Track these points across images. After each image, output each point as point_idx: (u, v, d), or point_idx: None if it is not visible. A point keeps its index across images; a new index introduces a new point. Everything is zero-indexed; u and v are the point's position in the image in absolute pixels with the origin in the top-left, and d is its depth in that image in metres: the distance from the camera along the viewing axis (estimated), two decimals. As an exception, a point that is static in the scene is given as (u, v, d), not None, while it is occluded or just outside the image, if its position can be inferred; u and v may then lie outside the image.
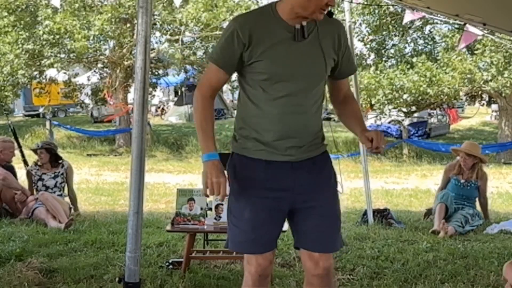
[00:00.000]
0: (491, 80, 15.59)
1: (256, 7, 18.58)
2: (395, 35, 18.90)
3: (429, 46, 19.25)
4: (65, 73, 19.97)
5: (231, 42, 2.26)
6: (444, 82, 16.01)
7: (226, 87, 26.03)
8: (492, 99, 20.62)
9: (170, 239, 4.86)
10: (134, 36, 16.09)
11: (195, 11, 16.43)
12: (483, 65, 15.99)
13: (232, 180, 2.37)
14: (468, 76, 15.75)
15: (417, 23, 17.76)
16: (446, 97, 16.89)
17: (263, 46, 2.24)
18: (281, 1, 2.27)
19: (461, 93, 17.34)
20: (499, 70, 15.18)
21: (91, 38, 17.21)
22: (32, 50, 17.01)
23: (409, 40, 19.18)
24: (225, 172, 2.34)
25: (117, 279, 3.19)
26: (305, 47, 2.28)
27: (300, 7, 2.20)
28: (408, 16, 6.80)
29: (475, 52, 15.82)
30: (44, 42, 17.00)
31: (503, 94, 16.40)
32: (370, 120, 22.78)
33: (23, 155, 7.66)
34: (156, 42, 19.15)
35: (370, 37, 18.42)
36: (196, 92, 2.37)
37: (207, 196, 2.32)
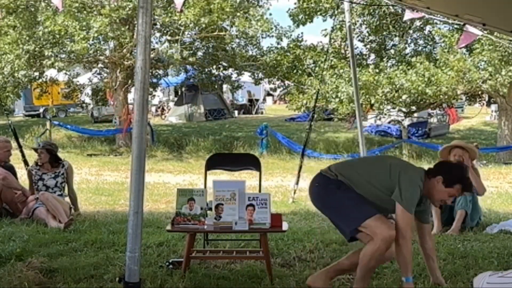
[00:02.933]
0: (490, 79, 15.55)
1: (256, 8, 18.44)
2: (395, 36, 18.86)
3: (429, 46, 19.21)
4: (66, 73, 19.95)
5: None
6: (442, 81, 15.96)
7: (226, 87, 25.98)
8: (492, 99, 20.58)
9: (170, 239, 4.87)
10: (134, 37, 16.08)
11: (193, 16, 16.44)
12: (482, 65, 15.93)
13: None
14: (466, 75, 15.71)
15: (417, 23, 17.73)
16: (445, 96, 16.85)
17: None
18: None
19: (458, 92, 17.26)
20: (496, 68, 15.13)
21: (91, 39, 17.16)
22: (32, 50, 16.96)
23: (409, 41, 19.13)
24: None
25: (117, 279, 3.20)
26: None
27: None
28: (408, 15, 6.82)
29: (473, 51, 15.77)
30: (44, 42, 16.97)
31: (501, 93, 16.37)
32: (370, 120, 22.69)
33: (23, 155, 7.65)
34: (156, 42, 19.11)
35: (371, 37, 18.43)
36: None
37: None
